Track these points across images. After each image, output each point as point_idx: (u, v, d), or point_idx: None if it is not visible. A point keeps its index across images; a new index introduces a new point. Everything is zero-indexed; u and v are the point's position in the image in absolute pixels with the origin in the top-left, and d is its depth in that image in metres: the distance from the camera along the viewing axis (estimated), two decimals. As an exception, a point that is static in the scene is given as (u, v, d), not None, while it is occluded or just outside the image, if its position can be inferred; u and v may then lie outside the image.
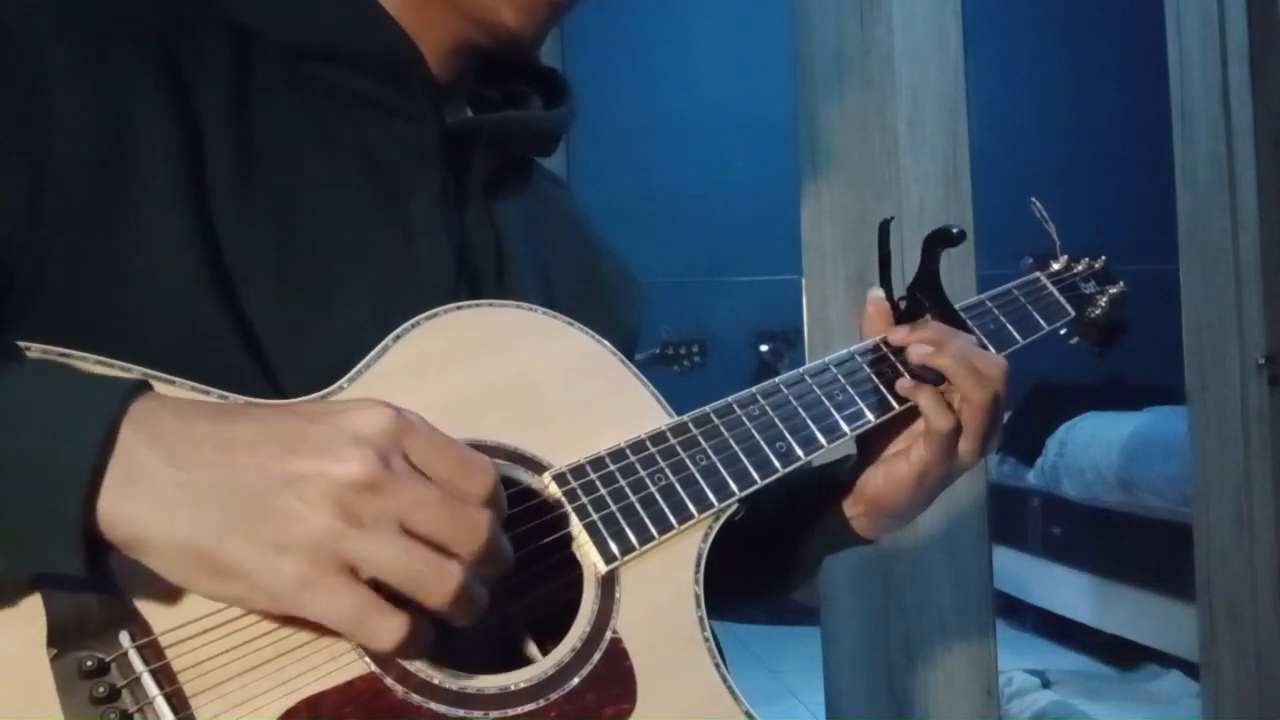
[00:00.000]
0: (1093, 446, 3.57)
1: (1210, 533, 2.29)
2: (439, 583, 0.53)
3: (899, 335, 0.87)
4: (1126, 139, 4.13)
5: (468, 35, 0.77)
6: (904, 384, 0.84)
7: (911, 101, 2.07)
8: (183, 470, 0.51)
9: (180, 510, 0.50)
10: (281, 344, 0.67)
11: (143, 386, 0.53)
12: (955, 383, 0.84)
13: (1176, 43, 2.33)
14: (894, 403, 0.84)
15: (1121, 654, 3.53)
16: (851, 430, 0.82)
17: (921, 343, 0.85)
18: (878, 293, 0.90)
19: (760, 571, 0.94)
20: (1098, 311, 1.03)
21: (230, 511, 0.51)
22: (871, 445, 0.88)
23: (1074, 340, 1.05)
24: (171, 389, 0.60)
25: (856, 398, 0.83)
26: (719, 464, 0.74)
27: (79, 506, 0.49)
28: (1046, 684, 3.25)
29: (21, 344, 0.57)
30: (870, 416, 0.83)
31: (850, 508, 0.90)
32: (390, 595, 0.53)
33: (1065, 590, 3.77)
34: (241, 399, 0.62)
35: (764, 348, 4.31)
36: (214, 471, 0.51)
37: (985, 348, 0.89)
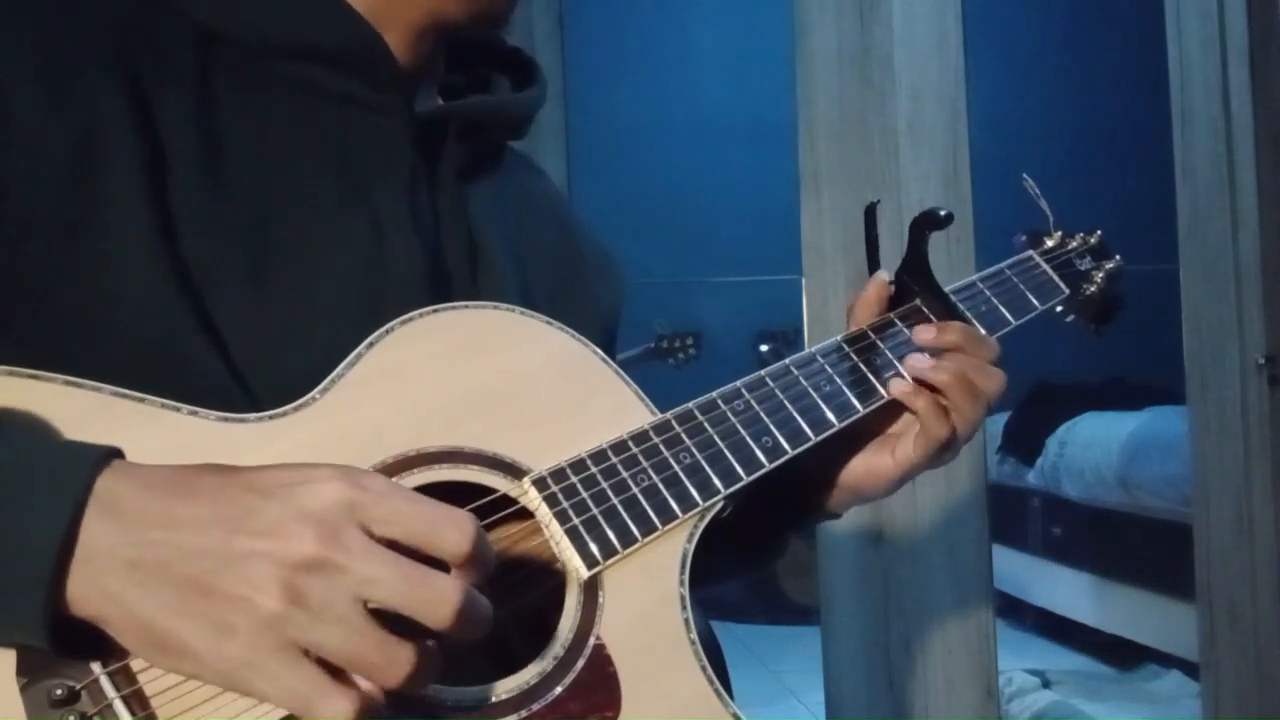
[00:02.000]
0: (1093, 446, 3.56)
1: (1210, 533, 2.29)
2: (391, 668, 0.50)
3: (926, 336, 0.85)
4: (1126, 139, 4.12)
5: (436, 9, 0.75)
6: (900, 387, 0.82)
7: (911, 101, 2.07)
8: (134, 550, 0.50)
9: (130, 590, 0.50)
10: (254, 350, 0.66)
11: (106, 459, 0.52)
12: (951, 399, 0.82)
13: (1176, 43, 2.32)
14: (883, 391, 0.82)
15: (1121, 654, 3.52)
16: (840, 422, 0.79)
17: (936, 346, 0.84)
18: (882, 276, 0.89)
19: (734, 552, 0.91)
20: (1094, 288, 1.00)
21: (176, 593, 0.50)
22: (852, 430, 0.85)
23: (1070, 318, 1.02)
24: (141, 407, 0.59)
25: (845, 388, 0.81)
26: (703, 462, 0.73)
27: (45, 595, 0.49)
28: (1046, 684, 3.24)
29: None
30: (858, 406, 0.81)
31: (823, 490, 0.88)
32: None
33: (1065, 590, 3.76)
34: (213, 414, 0.61)
35: (764, 348, 4.30)
36: (162, 552, 0.50)
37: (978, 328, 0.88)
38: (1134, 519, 3.37)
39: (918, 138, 2.07)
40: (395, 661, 0.51)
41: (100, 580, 0.50)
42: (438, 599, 0.51)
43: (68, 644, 0.51)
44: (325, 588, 0.50)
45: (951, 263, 1.99)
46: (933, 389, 0.83)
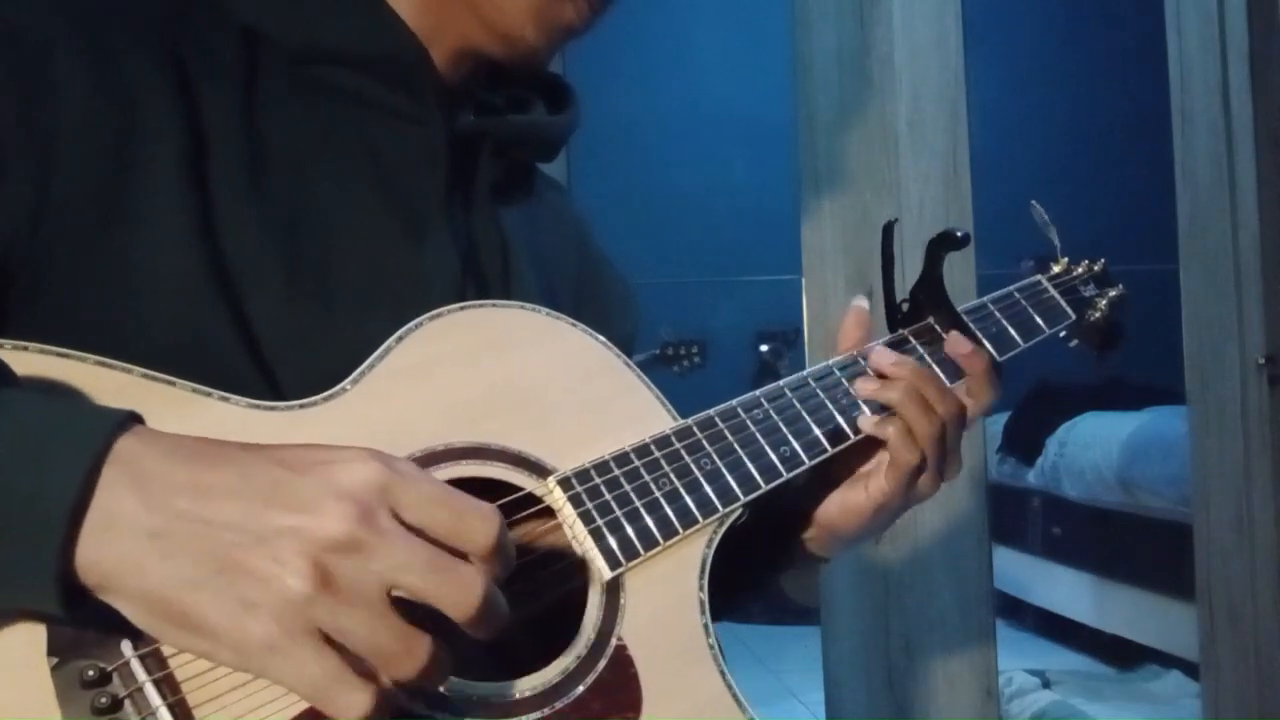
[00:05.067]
0: (1093, 446, 3.57)
1: (1210, 533, 2.29)
2: (408, 660, 0.50)
3: (868, 388, 0.83)
4: (1126, 139, 4.13)
5: (481, 44, 0.77)
6: (867, 421, 0.81)
7: (911, 101, 2.07)
8: (158, 518, 0.49)
9: (151, 560, 0.49)
10: (284, 347, 0.66)
11: (128, 422, 0.51)
12: (904, 416, 0.81)
13: (1176, 43, 2.33)
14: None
15: (1121, 654, 3.53)
16: (855, 435, 0.81)
17: (876, 372, 0.83)
18: (861, 303, 0.89)
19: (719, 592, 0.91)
20: (1097, 314, 1.02)
21: (201, 565, 0.49)
22: (827, 466, 0.83)
23: (1073, 343, 1.05)
24: (172, 390, 0.59)
25: (859, 401, 0.82)
26: (723, 468, 0.74)
27: (56, 553, 0.48)
28: (1046, 684, 3.25)
29: (21, 344, 0.56)
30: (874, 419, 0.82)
31: (804, 530, 0.87)
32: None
33: (1065, 590, 3.77)
34: (244, 400, 0.61)
35: (764, 348, 4.32)
36: (188, 522, 0.49)
37: (986, 349, 0.89)
38: (1134, 519, 3.38)
39: (918, 138, 2.07)
40: (413, 653, 0.50)
41: (118, 548, 0.49)
42: (464, 590, 0.51)
43: (84, 610, 0.50)
44: (355, 570, 0.49)
45: (951, 263, 1.99)
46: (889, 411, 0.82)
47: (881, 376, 0.83)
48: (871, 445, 0.84)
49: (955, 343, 0.87)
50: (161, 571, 0.49)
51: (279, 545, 0.49)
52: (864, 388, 0.82)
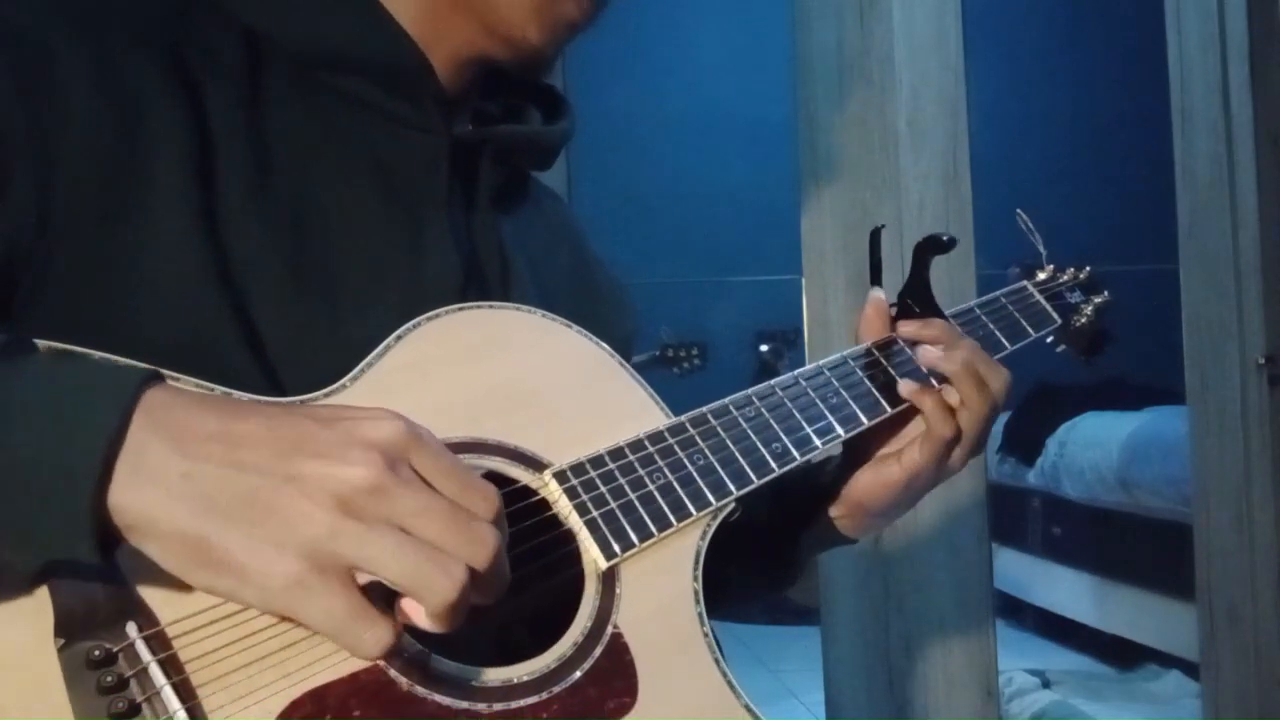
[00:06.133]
0: (1093, 446, 3.57)
1: (1210, 533, 2.29)
2: (443, 581, 0.51)
3: (909, 329, 0.88)
4: (1126, 139, 4.13)
5: (485, 49, 0.78)
6: (908, 386, 0.85)
7: (911, 101, 2.07)
8: (189, 461, 0.50)
9: (183, 500, 0.50)
10: (286, 348, 0.67)
11: (154, 377, 0.53)
12: (959, 389, 0.85)
13: (1176, 43, 2.33)
14: (886, 406, 0.85)
15: (1121, 654, 3.53)
16: (845, 432, 0.82)
17: (930, 342, 0.87)
18: (878, 294, 0.91)
19: (751, 572, 0.94)
20: (1083, 320, 1.05)
21: (231, 505, 0.50)
22: (858, 447, 0.88)
23: (1060, 348, 1.07)
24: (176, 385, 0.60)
25: (850, 400, 0.84)
26: (716, 464, 0.75)
27: (91, 495, 0.49)
28: (1046, 684, 3.25)
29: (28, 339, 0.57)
30: (863, 419, 0.84)
31: (835, 509, 0.90)
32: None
33: (1065, 590, 3.77)
34: (246, 396, 0.62)
35: (764, 348, 4.32)
36: (219, 465, 0.51)
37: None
38: (1134, 519, 3.38)
39: (918, 137, 2.07)
40: (449, 571, 0.51)
41: (149, 488, 0.50)
42: (481, 541, 0.53)
43: (113, 562, 0.52)
44: (381, 510, 0.51)
45: (951, 263, 1.99)
46: (942, 380, 0.86)
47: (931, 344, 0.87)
48: (894, 427, 0.87)
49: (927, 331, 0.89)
50: (191, 511, 0.50)
51: (307, 486, 0.51)
52: (926, 355, 0.87)
